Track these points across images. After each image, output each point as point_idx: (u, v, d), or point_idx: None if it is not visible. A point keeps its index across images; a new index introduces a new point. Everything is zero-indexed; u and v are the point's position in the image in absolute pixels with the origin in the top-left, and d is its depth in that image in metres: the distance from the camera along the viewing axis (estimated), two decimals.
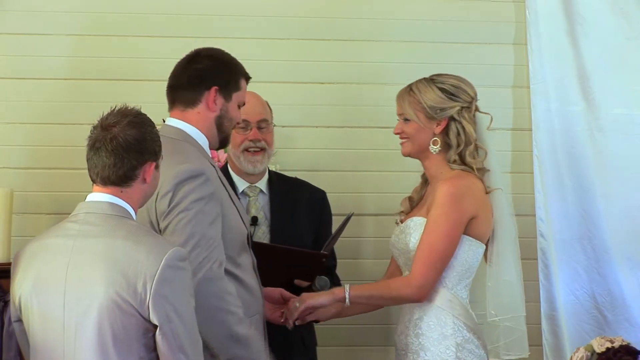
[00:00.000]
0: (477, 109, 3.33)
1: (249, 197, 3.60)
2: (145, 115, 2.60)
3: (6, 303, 3.39)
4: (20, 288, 2.56)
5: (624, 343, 2.95)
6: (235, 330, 2.82)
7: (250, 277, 3.05)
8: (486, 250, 3.34)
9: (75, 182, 3.74)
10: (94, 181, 2.57)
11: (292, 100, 4.18)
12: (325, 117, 4.21)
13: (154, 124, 2.61)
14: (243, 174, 3.60)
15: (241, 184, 3.60)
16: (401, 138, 3.35)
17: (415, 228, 3.28)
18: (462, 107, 3.28)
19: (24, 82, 4.06)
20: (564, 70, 4.22)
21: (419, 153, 3.34)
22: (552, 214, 4.18)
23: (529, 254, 4.03)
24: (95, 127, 2.55)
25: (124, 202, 2.55)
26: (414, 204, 3.43)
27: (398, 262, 3.41)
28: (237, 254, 2.98)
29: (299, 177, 3.93)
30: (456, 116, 3.28)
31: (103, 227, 2.51)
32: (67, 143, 3.93)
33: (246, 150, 3.56)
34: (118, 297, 2.43)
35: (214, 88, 3.03)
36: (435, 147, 3.29)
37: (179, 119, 3.04)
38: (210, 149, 3.10)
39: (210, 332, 2.76)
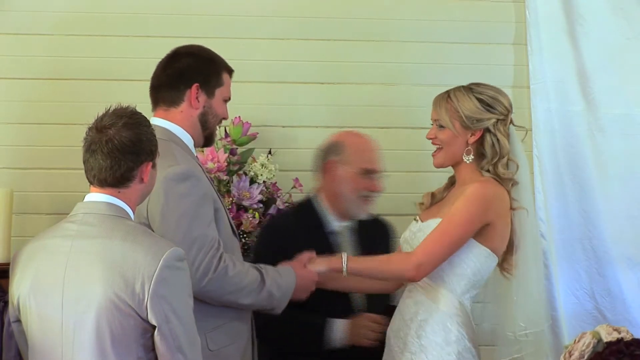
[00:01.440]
0: (512, 122, 3.30)
1: (342, 236, 3.51)
2: (141, 114, 2.59)
3: (6, 303, 3.37)
4: (19, 288, 2.57)
5: (628, 334, 2.87)
6: (243, 304, 2.97)
7: None
8: (503, 262, 3.31)
9: (75, 182, 3.73)
10: (91, 183, 2.57)
11: (292, 100, 4.19)
12: (325, 117, 4.21)
13: (149, 123, 2.61)
14: (339, 214, 3.50)
15: (334, 223, 3.51)
16: (434, 144, 3.32)
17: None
18: (498, 120, 3.24)
19: (23, 82, 4.06)
20: (564, 70, 4.22)
21: (452, 162, 3.31)
22: (552, 214, 4.18)
23: None
24: (90, 129, 2.54)
25: (122, 202, 2.55)
26: (434, 201, 3.41)
27: None
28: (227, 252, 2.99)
29: (299, 177, 3.93)
30: (491, 128, 3.24)
31: (101, 227, 2.51)
32: (67, 143, 3.92)
33: (363, 196, 3.47)
34: (116, 297, 2.43)
35: (194, 85, 3.03)
36: (468, 156, 3.26)
37: (162, 118, 3.04)
38: (196, 147, 3.10)
39: (227, 304, 2.97)
